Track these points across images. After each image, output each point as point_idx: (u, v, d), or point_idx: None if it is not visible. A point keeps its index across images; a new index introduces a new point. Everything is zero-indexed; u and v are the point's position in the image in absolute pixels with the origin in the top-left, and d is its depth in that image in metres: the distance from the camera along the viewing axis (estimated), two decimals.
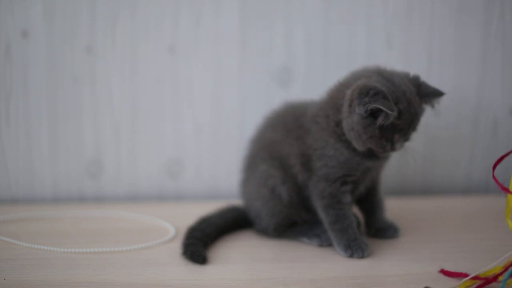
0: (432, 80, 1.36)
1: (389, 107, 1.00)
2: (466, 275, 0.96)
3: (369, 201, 1.16)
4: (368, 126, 1.03)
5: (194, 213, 1.28)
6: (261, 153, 1.16)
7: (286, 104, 1.19)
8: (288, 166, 1.13)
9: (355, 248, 1.07)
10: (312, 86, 1.37)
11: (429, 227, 1.20)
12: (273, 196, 1.14)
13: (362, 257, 1.06)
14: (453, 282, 0.98)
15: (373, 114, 1.02)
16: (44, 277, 0.99)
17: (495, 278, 0.95)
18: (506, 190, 0.95)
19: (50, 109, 1.35)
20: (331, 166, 1.09)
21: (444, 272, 0.99)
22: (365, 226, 1.17)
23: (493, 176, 0.98)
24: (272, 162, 1.14)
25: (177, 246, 1.11)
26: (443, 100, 1.40)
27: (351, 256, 1.06)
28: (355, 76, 1.08)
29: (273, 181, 1.13)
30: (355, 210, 1.18)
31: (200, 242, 1.09)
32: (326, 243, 1.11)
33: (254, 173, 1.16)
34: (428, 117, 1.39)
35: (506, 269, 0.95)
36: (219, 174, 1.40)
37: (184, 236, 1.11)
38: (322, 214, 1.10)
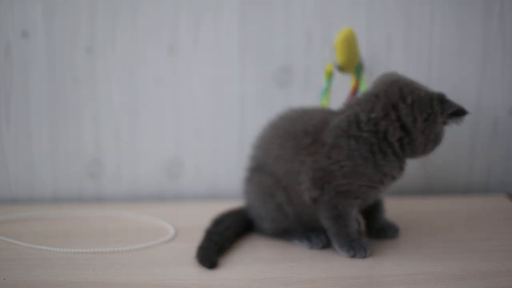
0: (432, 80, 1.37)
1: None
2: None
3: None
4: (442, 131, 1.08)
5: (194, 213, 1.28)
6: (268, 166, 1.12)
7: (292, 114, 1.13)
8: (293, 184, 1.09)
9: (357, 248, 1.06)
10: (312, 86, 1.37)
11: (429, 227, 1.20)
12: (279, 211, 1.11)
13: (364, 257, 1.06)
14: (452, 282, 0.98)
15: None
16: (44, 277, 0.99)
17: None
18: None
19: (50, 109, 1.35)
20: (359, 185, 1.05)
21: None
22: (366, 226, 1.17)
23: None
24: (277, 180, 1.10)
25: (177, 246, 1.11)
26: None
27: (353, 256, 1.06)
28: (390, 86, 1.06)
29: (279, 199, 1.11)
30: None
31: (215, 246, 1.08)
32: (316, 246, 1.11)
33: (260, 181, 1.13)
34: None
35: None
36: (219, 174, 1.40)
37: (201, 238, 1.10)
38: (326, 221, 1.08)
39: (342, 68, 1.21)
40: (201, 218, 1.22)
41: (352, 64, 1.21)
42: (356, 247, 1.06)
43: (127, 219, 1.25)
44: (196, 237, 1.11)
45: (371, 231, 1.16)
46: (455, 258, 1.06)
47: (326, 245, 1.11)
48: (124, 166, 1.38)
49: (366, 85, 1.20)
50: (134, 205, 1.33)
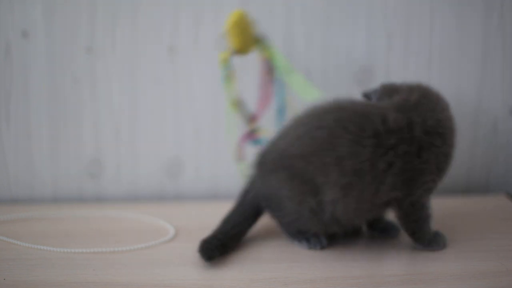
0: (432, 80, 1.37)
1: None
2: None
3: None
4: None
5: (194, 213, 1.28)
6: (315, 160, 1.05)
7: (356, 106, 1.08)
8: (360, 183, 1.04)
9: (441, 241, 1.11)
10: (312, 86, 1.37)
11: None
12: (317, 211, 1.07)
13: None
14: (452, 282, 0.98)
15: None
16: (44, 277, 0.99)
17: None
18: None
19: (50, 109, 1.35)
20: (438, 181, 1.09)
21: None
22: (368, 227, 1.17)
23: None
24: (327, 179, 1.05)
25: (177, 246, 1.11)
26: None
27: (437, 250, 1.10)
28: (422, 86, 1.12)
29: (322, 199, 1.06)
30: None
31: (218, 242, 1.07)
32: (315, 248, 1.10)
33: (301, 177, 1.06)
34: None
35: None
36: (219, 174, 1.40)
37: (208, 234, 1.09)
38: (412, 224, 1.09)
39: (238, 51, 1.19)
40: (201, 218, 1.23)
41: (248, 44, 1.19)
42: (439, 240, 1.10)
43: (127, 219, 1.25)
44: (196, 237, 1.11)
45: (374, 231, 1.16)
46: (455, 258, 1.06)
47: (325, 246, 1.11)
48: (124, 166, 1.38)
49: (279, 55, 1.20)
50: (134, 205, 1.33)
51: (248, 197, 1.14)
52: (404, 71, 1.38)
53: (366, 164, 1.04)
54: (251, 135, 1.23)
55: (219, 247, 1.07)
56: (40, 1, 1.31)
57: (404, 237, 1.15)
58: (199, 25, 1.35)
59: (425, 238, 1.09)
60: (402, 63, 1.38)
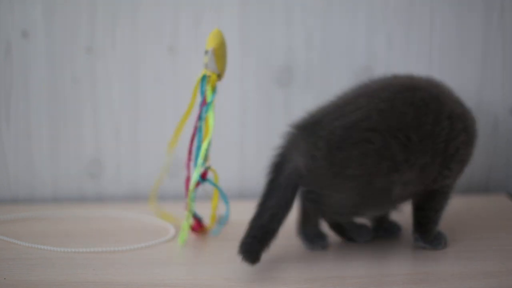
0: None
1: None
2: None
3: None
4: None
5: None
6: (402, 140, 1.00)
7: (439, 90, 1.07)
8: (431, 164, 1.03)
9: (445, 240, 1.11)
10: (312, 86, 1.37)
11: None
12: (388, 193, 1.02)
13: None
14: (452, 282, 0.98)
15: None
16: (44, 277, 0.99)
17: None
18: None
19: (50, 109, 1.35)
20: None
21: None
22: (371, 226, 1.16)
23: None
24: (408, 156, 1.01)
25: (177, 246, 1.11)
26: None
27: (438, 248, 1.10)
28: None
29: (397, 179, 1.01)
30: None
31: (258, 243, 1.00)
32: (317, 248, 1.10)
33: (381, 154, 1.00)
34: None
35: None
36: (219, 174, 1.40)
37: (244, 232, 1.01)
38: (435, 213, 1.09)
39: (220, 76, 1.09)
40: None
41: (225, 68, 1.09)
42: (441, 239, 1.10)
43: (127, 219, 1.26)
44: (196, 237, 1.11)
45: (379, 230, 1.15)
46: (455, 258, 1.06)
47: (326, 246, 1.10)
48: (124, 166, 1.38)
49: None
50: (134, 205, 1.33)
51: (283, 177, 1.01)
52: (404, 71, 1.37)
53: (441, 146, 1.04)
54: (204, 174, 1.15)
55: (262, 246, 1.00)
56: (40, 1, 1.31)
57: (405, 237, 1.15)
58: (199, 25, 1.35)
59: (433, 234, 1.09)
60: (402, 63, 1.38)
